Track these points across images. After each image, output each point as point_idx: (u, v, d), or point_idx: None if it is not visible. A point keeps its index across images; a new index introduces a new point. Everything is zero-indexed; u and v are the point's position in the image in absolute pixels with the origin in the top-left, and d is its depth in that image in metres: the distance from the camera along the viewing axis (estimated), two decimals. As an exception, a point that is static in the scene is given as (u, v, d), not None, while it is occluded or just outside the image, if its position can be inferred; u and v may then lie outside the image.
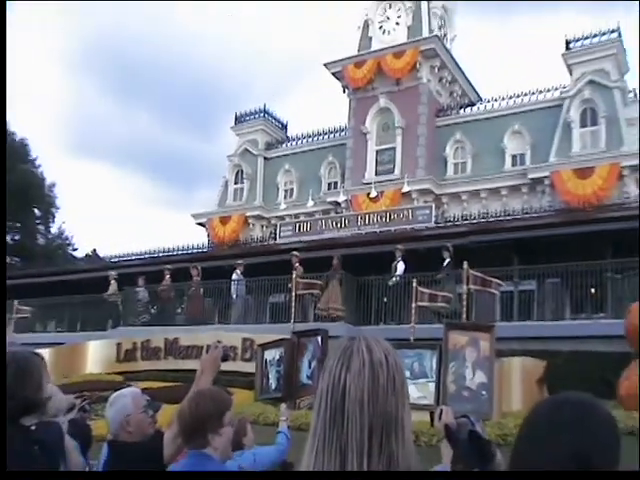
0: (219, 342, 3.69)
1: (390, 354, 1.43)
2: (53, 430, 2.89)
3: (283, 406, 6.64)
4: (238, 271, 20.61)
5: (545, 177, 27.16)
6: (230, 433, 3.30)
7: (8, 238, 49.20)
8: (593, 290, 17.21)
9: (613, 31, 28.10)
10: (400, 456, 1.37)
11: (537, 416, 1.51)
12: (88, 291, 22.87)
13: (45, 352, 17.02)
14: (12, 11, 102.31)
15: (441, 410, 3.00)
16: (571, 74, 28.59)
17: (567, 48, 28.65)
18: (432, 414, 3.04)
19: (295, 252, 19.48)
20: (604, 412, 1.48)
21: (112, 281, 22.46)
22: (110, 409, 3.58)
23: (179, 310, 21.83)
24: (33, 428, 2.62)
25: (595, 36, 28.27)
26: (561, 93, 28.63)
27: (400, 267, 18.40)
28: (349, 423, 1.35)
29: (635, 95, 29.17)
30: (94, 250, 47.19)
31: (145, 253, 29.47)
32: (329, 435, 1.37)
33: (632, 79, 29.60)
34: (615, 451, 1.45)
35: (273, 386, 14.11)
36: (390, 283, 18.33)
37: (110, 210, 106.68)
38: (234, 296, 20.66)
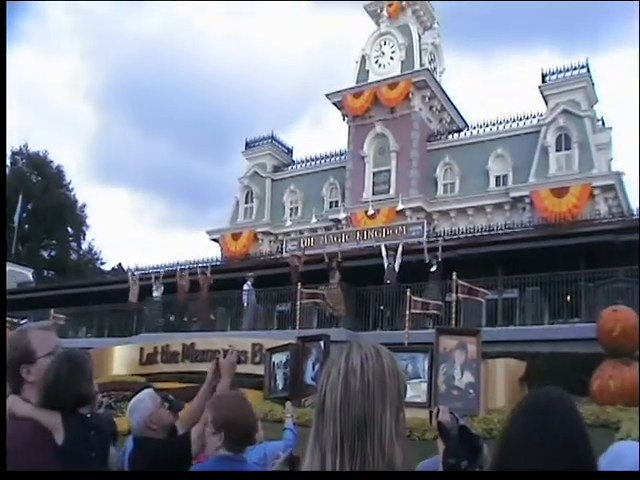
0: (231, 347, 3.66)
1: (369, 360, 1.37)
2: (106, 419, 2.98)
3: (288, 404, 6.61)
4: (249, 282, 20.57)
5: (525, 196, 27.20)
6: None
7: (45, 254, 49.37)
8: (569, 297, 17.19)
9: (582, 67, 28.31)
10: (378, 460, 1.32)
11: (524, 410, 1.52)
12: (115, 301, 22.88)
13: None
14: (52, 54, 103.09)
15: (438, 409, 2.99)
16: (547, 104, 28.68)
17: (543, 81, 28.77)
18: (431, 413, 3.03)
19: (296, 252, 19.33)
20: (572, 404, 1.50)
21: (135, 286, 22.52)
22: (134, 414, 3.49)
23: (194, 319, 21.78)
24: (89, 416, 2.67)
25: (567, 70, 28.44)
26: (538, 121, 28.70)
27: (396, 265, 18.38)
28: (325, 428, 1.35)
29: (603, 124, 29.29)
30: (119, 264, 47.23)
31: (165, 267, 29.38)
32: (314, 439, 1.37)
33: (600, 109, 29.67)
34: (586, 437, 1.47)
35: (280, 386, 14.10)
36: (388, 280, 18.23)
37: (134, 228, 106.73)
38: (245, 304, 20.64)
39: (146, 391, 3.71)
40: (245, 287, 20.59)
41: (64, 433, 2.51)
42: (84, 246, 52.20)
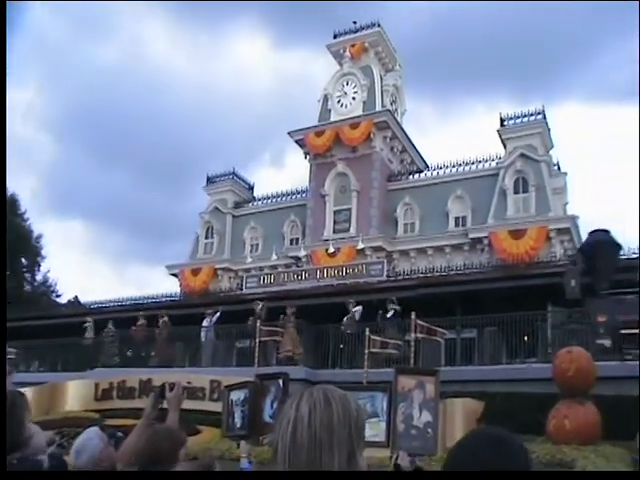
0: (189, 383, 3.63)
1: (317, 408, 1.36)
2: (31, 463, 2.85)
3: (243, 443, 6.55)
4: (208, 319, 20.37)
5: (484, 237, 27.64)
6: (184, 468, 3.22)
7: (-5, 286, 48.12)
8: (526, 337, 17.36)
9: (539, 113, 29.20)
10: None
11: (460, 451, 1.51)
12: (69, 335, 22.44)
13: (27, 390, 16.55)
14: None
15: (397, 454, 3.06)
16: (505, 147, 29.40)
17: (502, 125, 29.50)
18: (391, 458, 3.14)
19: (259, 301, 19.35)
20: (518, 445, 1.49)
21: (88, 327, 22.30)
22: (82, 455, 3.36)
23: (152, 353, 21.43)
24: (15, 462, 2.56)
25: (525, 116, 29.29)
26: (497, 164, 29.37)
27: (357, 315, 18.39)
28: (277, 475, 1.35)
29: (559, 168, 30.07)
30: (76, 297, 46.27)
31: (123, 301, 28.97)
32: None
33: (556, 154, 30.53)
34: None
35: (238, 424, 13.90)
36: (348, 331, 18.22)
37: (91, 260, 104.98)
38: (203, 340, 20.40)
39: (92, 429, 3.63)
40: (204, 323, 20.39)
41: None
42: (39, 277, 51.15)
